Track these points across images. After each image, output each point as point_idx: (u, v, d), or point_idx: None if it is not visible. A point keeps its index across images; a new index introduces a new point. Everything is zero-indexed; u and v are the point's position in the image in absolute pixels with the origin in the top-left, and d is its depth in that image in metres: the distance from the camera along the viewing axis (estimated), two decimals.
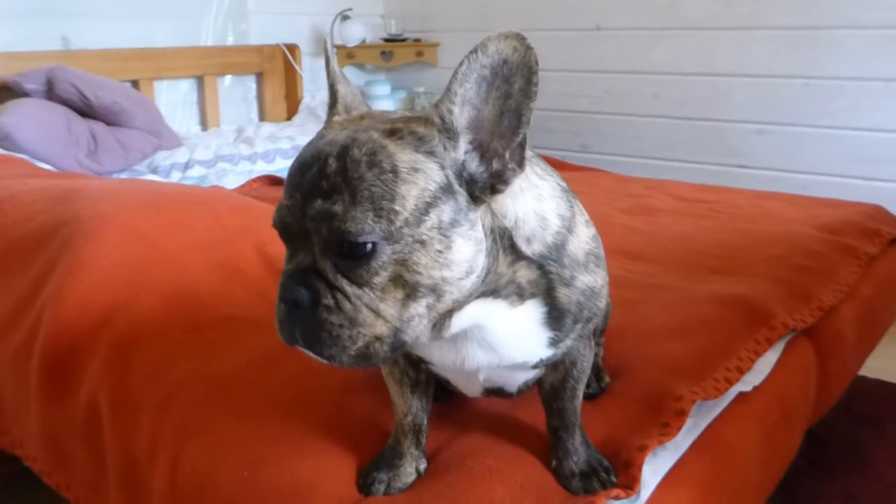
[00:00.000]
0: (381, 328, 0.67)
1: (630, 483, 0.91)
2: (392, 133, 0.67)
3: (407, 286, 0.66)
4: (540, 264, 0.75)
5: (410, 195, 0.65)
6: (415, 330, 0.69)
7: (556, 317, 0.79)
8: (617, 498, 0.89)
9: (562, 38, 3.35)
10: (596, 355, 1.13)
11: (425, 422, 0.95)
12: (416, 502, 0.88)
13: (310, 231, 0.67)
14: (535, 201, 0.75)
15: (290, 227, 0.69)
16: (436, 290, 0.67)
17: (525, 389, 0.95)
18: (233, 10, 3.21)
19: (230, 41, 3.23)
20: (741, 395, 1.17)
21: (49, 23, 2.67)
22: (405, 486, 0.92)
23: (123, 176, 2.43)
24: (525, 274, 0.75)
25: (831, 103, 2.77)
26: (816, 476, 1.74)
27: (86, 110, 2.45)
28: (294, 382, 1.12)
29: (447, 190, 0.67)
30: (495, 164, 0.68)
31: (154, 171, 2.45)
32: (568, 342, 0.83)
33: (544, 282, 0.77)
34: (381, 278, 0.66)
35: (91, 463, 1.23)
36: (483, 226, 0.70)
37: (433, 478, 0.93)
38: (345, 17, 3.46)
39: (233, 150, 2.60)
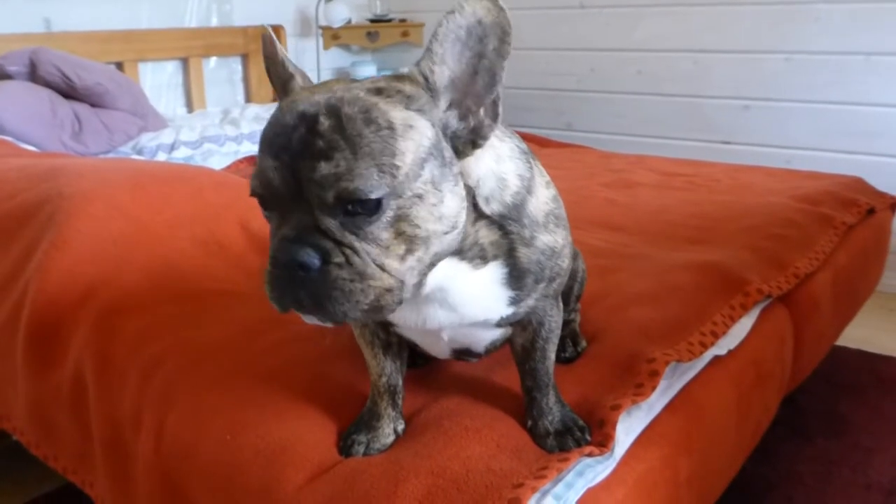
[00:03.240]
0: (389, 281, 0.68)
1: (604, 441, 0.93)
2: (379, 92, 0.68)
3: (407, 240, 0.68)
4: (500, 224, 0.78)
5: (409, 151, 0.66)
6: (412, 280, 0.71)
7: (516, 276, 0.81)
8: (591, 455, 0.91)
9: (545, 16, 3.35)
10: (573, 321, 1.15)
11: (400, 383, 0.97)
12: (394, 462, 0.90)
13: (304, 192, 0.66)
14: (494, 162, 0.77)
15: (278, 191, 0.68)
16: (427, 243, 0.69)
17: (492, 349, 0.97)
18: None
19: (214, 22, 3.22)
20: (716, 358, 1.19)
21: (31, 4, 2.66)
22: (384, 448, 0.94)
23: (108, 157, 2.43)
24: (486, 234, 0.78)
25: (813, 78, 2.79)
26: (796, 442, 1.77)
27: (69, 92, 2.44)
28: (275, 351, 1.14)
29: (437, 146, 0.69)
30: (473, 121, 0.70)
31: (139, 153, 2.45)
32: (530, 301, 0.85)
33: (505, 242, 0.79)
34: (386, 234, 0.67)
35: (77, 433, 1.25)
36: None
37: (411, 438, 0.95)
38: None
39: (218, 131, 2.60)
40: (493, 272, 0.81)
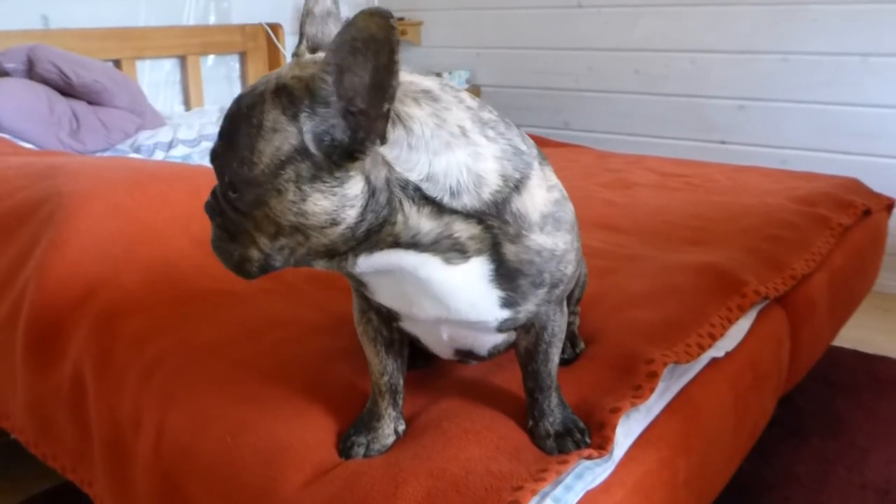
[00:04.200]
0: (254, 252, 0.77)
1: (603, 443, 0.93)
2: (279, 90, 0.72)
3: (274, 224, 0.75)
4: (479, 219, 0.78)
5: (266, 151, 0.72)
6: (286, 258, 0.78)
7: (504, 274, 0.81)
8: (590, 458, 0.92)
9: (543, 15, 3.35)
10: (572, 323, 1.15)
11: (401, 383, 0.97)
12: (394, 463, 0.90)
13: None
14: (470, 158, 0.76)
15: (210, 162, 0.80)
16: (301, 232, 0.75)
17: (496, 353, 0.97)
18: None
19: (212, 20, 3.22)
20: (713, 360, 1.20)
21: (29, 1, 2.65)
22: (384, 449, 0.95)
23: (106, 155, 2.42)
24: (463, 228, 0.78)
25: (809, 78, 2.80)
26: (793, 442, 1.78)
27: (67, 90, 2.44)
28: (274, 351, 1.14)
29: (302, 152, 0.71)
30: (361, 134, 0.70)
31: (137, 151, 2.45)
32: (530, 307, 0.85)
33: (488, 237, 0.79)
34: (255, 212, 0.74)
35: (76, 432, 1.25)
36: (369, 180, 0.72)
37: (410, 440, 0.95)
38: None
39: (216, 129, 2.59)
40: (478, 268, 0.81)
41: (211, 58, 3.23)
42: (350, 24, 0.66)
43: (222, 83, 3.30)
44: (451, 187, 0.76)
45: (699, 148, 3.05)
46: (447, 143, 0.75)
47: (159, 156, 2.45)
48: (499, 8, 3.43)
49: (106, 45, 2.79)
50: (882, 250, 2.03)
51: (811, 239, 1.65)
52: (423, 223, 0.76)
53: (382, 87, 0.68)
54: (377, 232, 0.75)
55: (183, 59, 3.09)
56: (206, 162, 2.44)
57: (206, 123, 2.65)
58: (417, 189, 0.74)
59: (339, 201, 0.72)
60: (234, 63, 3.34)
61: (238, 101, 0.75)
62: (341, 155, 0.71)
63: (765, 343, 1.35)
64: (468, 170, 0.76)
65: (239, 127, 0.73)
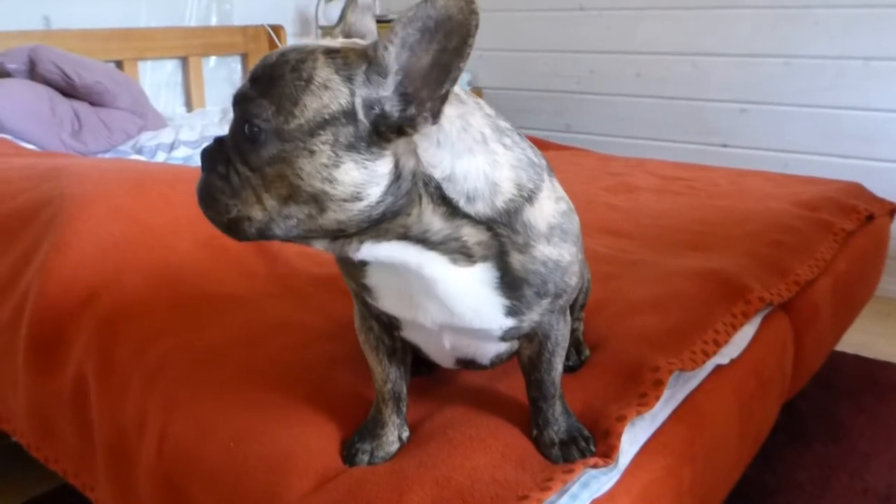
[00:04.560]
0: (258, 212, 0.73)
1: (608, 452, 0.93)
2: (331, 51, 0.72)
3: (290, 186, 0.71)
4: (489, 226, 0.78)
5: (311, 106, 0.69)
6: (289, 228, 0.74)
7: (509, 283, 0.81)
8: (595, 466, 0.92)
9: (545, 17, 3.35)
10: (576, 330, 1.15)
11: (405, 390, 0.97)
12: (399, 471, 0.90)
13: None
14: (488, 166, 0.76)
15: (232, 105, 0.75)
16: (317, 202, 0.71)
17: (498, 362, 0.97)
18: None
19: (214, 21, 3.22)
20: (718, 367, 1.20)
21: (30, 2, 2.65)
22: (388, 456, 0.95)
23: (108, 156, 2.42)
24: (471, 233, 0.77)
25: (811, 82, 2.79)
26: (795, 447, 1.78)
27: (69, 90, 2.44)
28: (278, 357, 1.14)
29: (350, 115, 0.70)
30: (412, 110, 0.70)
31: (139, 152, 2.45)
32: (534, 316, 0.85)
33: (496, 244, 0.79)
34: (269, 169, 0.71)
35: (78, 436, 1.24)
36: (398, 165, 0.72)
37: (415, 447, 0.95)
38: None
39: (218, 131, 2.59)
40: (483, 274, 0.80)
41: (213, 59, 3.23)
42: (427, 2, 0.66)
43: (224, 84, 3.30)
44: (468, 192, 0.75)
45: (701, 151, 3.05)
46: (469, 148, 0.75)
47: (161, 157, 2.45)
48: (500, 10, 3.43)
49: (108, 45, 2.79)
50: (885, 255, 2.03)
51: (815, 244, 1.65)
52: (436, 222, 0.76)
53: (448, 68, 0.68)
54: (390, 220, 0.74)
55: (185, 60, 3.09)
56: None
57: (207, 125, 2.64)
58: (438, 187, 0.74)
59: (368, 175, 0.71)
60: (235, 64, 3.34)
61: (281, 54, 0.72)
62: (389, 127, 0.70)
63: (769, 349, 1.35)
64: (486, 176, 0.76)
65: (283, 75, 0.70)
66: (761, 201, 1.92)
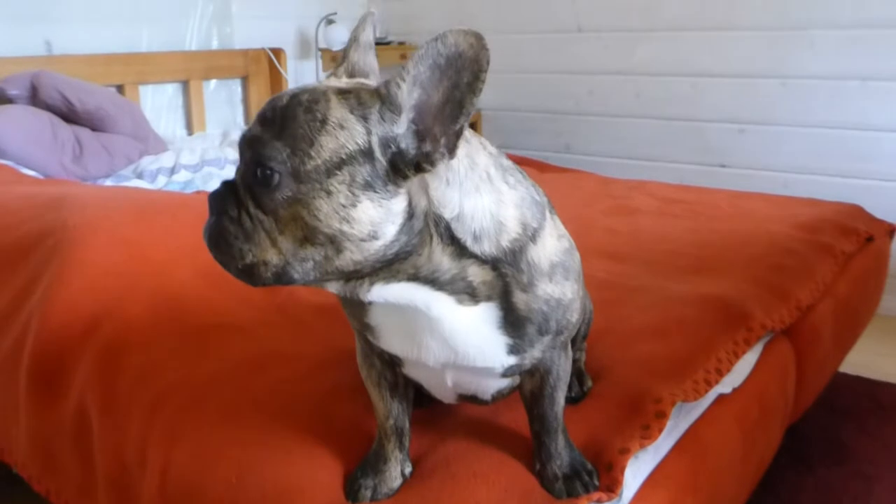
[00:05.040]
0: (273, 256, 0.72)
1: (612, 486, 0.93)
2: (343, 92, 0.72)
3: (306, 228, 0.70)
4: (494, 265, 0.78)
5: (328, 147, 0.69)
6: (306, 271, 0.72)
7: (512, 322, 0.81)
8: (599, 501, 0.91)
9: (544, 39, 3.37)
10: (578, 360, 1.15)
11: (407, 425, 0.97)
12: None
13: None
14: (494, 205, 0.77)
15: (240, 147, 0.75)
16: (334, 242, 0.71)
17: (500, 397, 0.97)
18: (217, 14, 3.21)
19: (215, 45, 3.23)
20: (720, 396, 1.19)
21: (32, 27, 2.66)
22: (391, 492, 0.94)
23: (109, 181, 2.43)
24: (477, 273, 0.78)
25: (808, 102, 2.81)
26: (797, 470, 1.77)
27: (70, 115, 2.45)
28: (280, 388, 1.14)
29: (366, 154, 0.70)
30: (427, 146, 0.71)
31: (140, 176, 2.45)
32: (536, 353, 0.85)
33: (500, 284, 0.79)
34: (283, 211, 0.70)
35: (80, 469, 1.24)
36: (412, 204, 0.72)
37: (418, 483, 0.94)
38: (329, 21, 3.47)
39: (219, 154, 2.60)
40: (487, 313, 0.81)
41: (213, 82, 3.24)
42: (437, 39, 0.67)
43: (224, 107, 3.31)
44: (475, 231, 0.76)
45: (699, 171, 3.06)
46: (476, 187, 0.76)
47: (162, 181, 2.46)
48: (500, 32, 3.45)
49: (109, 70, 2.80)
50: (885, 275, 2.03)
51: (815, 268, 1.65)
52: (444, 262, 0.76)
53: (461, 104, 0.69)
54: (402, 260, 0.74)
55: (185, 84, 3.10)
56: (208, 186, 2.44)
57: (208, 148, 2.65)
58: (447, 227, 0.74)
59: (385, 213, 0.71)
60: (236, 87, 3.35)
61: (292, 96, 0.72)
62: (406, 164, 0.71)
63: (771, 376, 1.35)
64: (492, 215, 0.77)
65: (296, 117, 0.70)
66: (761, 224, 1.93)
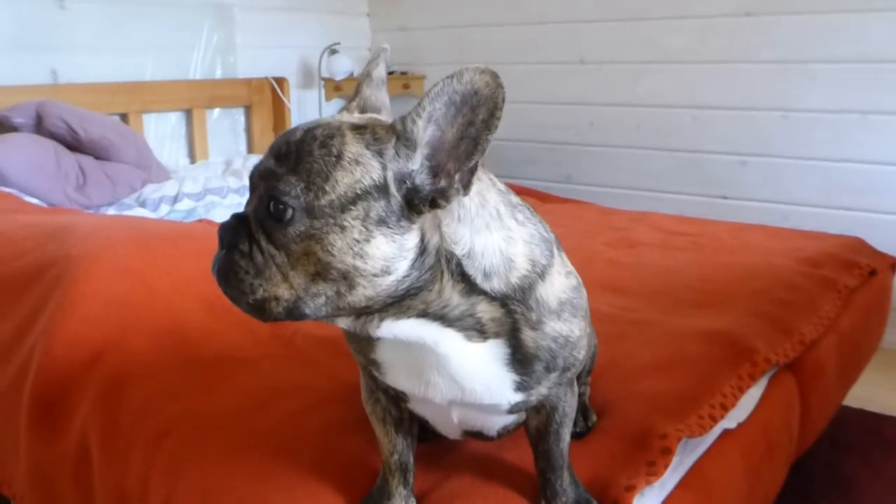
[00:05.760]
0: (284, 291, 0.71)
1: None
2: (358, 127, 0.72)
3: (319, 263, 0.70)
4: (503, 302, 0.78)
5: (343, 182, 0.69)
6: (318, 307, 0.72)
7: (520, 360, 0.81)
8: None
9: (546, 70, 3.40)
10: (583, 395, 1.14)
11: (411, 461, 0.96)
12: None
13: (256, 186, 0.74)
14: (504, 242, 0.77)
15: (252, 180, 0.75)
16: (347, 278, 0.70)
17: (505, 433, 0.96)
18: (221, 44, 3.24)
19: (218, 74, 3.26)
20: (725, 431, 1.19)
21: (37, 56, 2.69)
22: None
23: (112, 209, 2.43)
24: (486, 310, 0.78)
25: (809, 135, 2.82)
26: None
27: (74, 144, 2.46)
28: (285, 422, 1.13)
29: (381, 190, 0.70)
30: (442, 182, 0.71)
31: (143, 205, 2.46)
32: (542, 390, 0.85)
33: (509, 321, 0.79)
34: (296, 246, 0.70)
35: (80, 502, 1.23)
36: (424, 240, 0.73)
37: None
38: (333, 51, 3.50)
39: (221, 183, 2.61)
40: (495, 350, 0.80)
41: (216, 111, 3.26)
42: (453, 77, 0.67)
43: (227, 136, 3.33)
44: (485, 268, 0.76)
45: (701, 203, 3.07)
46: (487, 224, 0.76)
47: (164, 209, 2.47)
48: (501, 63, 3.48)
49: (114, 99, 2.82)
50: (887, 309, 2.03)
51: (818, 302, 1.65)
52: (454, 298, 0.76)
53: (476, 141, 0.69)
54: (413, 296, 0.74)
55: (189, 113, 3.12)
56: (210, 215, 2.45)
57: (210, 177, 2.66)
58: (459, 264, 0.75)
59: (397, 249, 0.71)
60: (239, 116, 3.37)
61: (306, 130, 0.72)
62: (421, 200, 0.71)
63: (776, 411, 1.34)
64: (501, 253, 0.77)
65: (311, 152, 0.70)
66: (764, 257, 1.93)
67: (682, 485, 1.06)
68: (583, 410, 1.12)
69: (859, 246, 2.07)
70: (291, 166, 0.70)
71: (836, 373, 1.63)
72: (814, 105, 2.80)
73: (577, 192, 3.26)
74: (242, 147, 3.39)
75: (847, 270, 1.86)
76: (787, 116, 2.86)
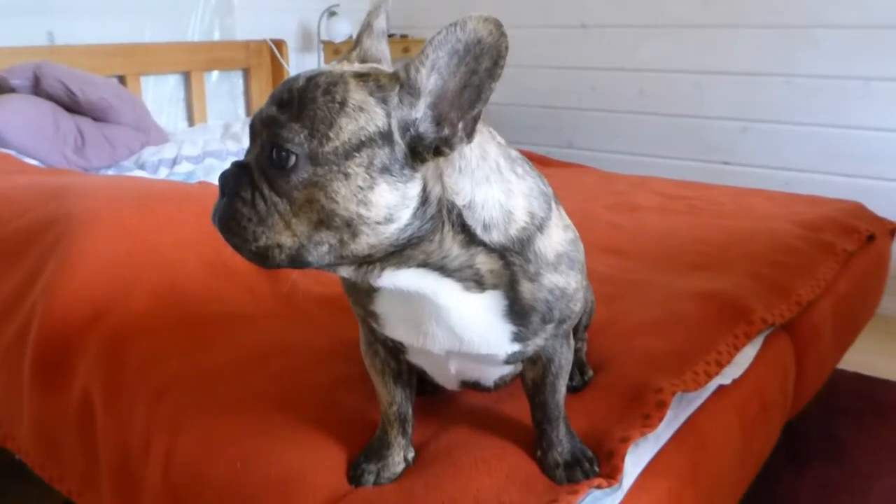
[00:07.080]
0: (287, 239, 0.71)
1: (612, 473, 0.94)
2: (361, 75, 0.72)
3: (322, 211, 0.70)
4: (502, 254, 0.78)
5: (347, 129, 0.69)
6: (321, 255, 0.72)
7: (518, 311, 0.82)
8: (599, 487, 0.92)
9: (547, 35, 3.37)
10: (580, 350, 1.16)
11: (410, 412, 0.98)
12: (405, 493, 0.91)
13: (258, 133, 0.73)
14: (503, 194, 0.78)
15: (253, 128, 0.74)
16: (350, 226, 0.70)
17: (502, 384, 0.98)
18: (219, 6, 3.21)
19: (217, 37, 3.23)
20: (720, 388, 1.20)
21: (34, 18, 2.66)
22: (394, 476, 0.95)
23: (111, 172, 2.43)
24: (485, 261, 0.78)
25: (812, 101, 2.81)
26: (795, 468, 1.78)
27: (72, 106, 2.45)
28: (284, 377, 1.14)
29: (386, 137, 0.70)
30: (446, 131, 0.71)
31: (141, 167, 2.45)
32: (539, 341, 0.86)
33: (507, 273, 0.80)
34: (299, 194, 0.70)
35: (83, 456, 1.25)
36: (426, 189, 0.73)
37: (421, 469, 0.95)
38: (332, 14, 3.47)
39: (220, 146, 2.60)
40: (492, 301, 0.81)
41: (215, 74, 3.24)
42: (457, 25, 0.67)
43: (225, 99, 3.31)
44: (485, 220, 0.76)
45: (702, 169, 3.06)
46: (487, 177, 0.76)
47: (163, 172, 2.46)
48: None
49: (111, 61, 2.80)
50: (885, 275, 2.04)
51: (816, 265, 1.66)
52: (454, 249, 0.77)
53: (479, 90, 0.69)
54: (414, 246, 0.74)
55: (187, 75, 3.10)
56: (210, 177, 2.44)
57: (209, 140, 2.65)
58: (459, 214, 0.75)
59: (400, 197, 0.71)
60: (237, 79, 3.35)
61: (309, 78, 0.71)
62: (425, 148, 0.71)
63: (771, 370, 1.35)
64: (501, 205, 0.77)
65: (314, 99, 0.69)
66: (763, 221, 1.93)
67: (677, 439, 1.07)
68: (579, 366, 1.13)
69: (859, 211, 2.07)
70: (294, 113, 0.69)
71: (832, 335, 1.64)
72: (816, 71, 2.79)
73: (578, 157, 3.25)
74: (241, 111, 3.37)
75: (846, 234, 1.86)
76: (790, 82, 2.84)
